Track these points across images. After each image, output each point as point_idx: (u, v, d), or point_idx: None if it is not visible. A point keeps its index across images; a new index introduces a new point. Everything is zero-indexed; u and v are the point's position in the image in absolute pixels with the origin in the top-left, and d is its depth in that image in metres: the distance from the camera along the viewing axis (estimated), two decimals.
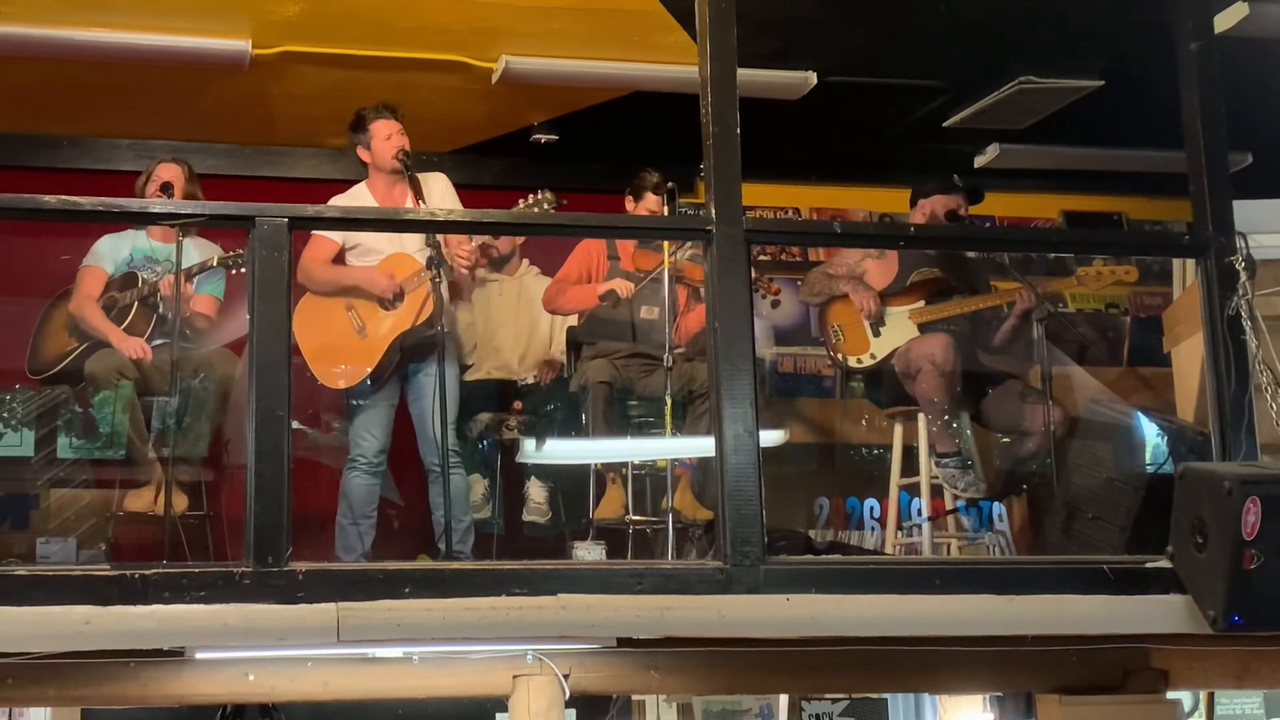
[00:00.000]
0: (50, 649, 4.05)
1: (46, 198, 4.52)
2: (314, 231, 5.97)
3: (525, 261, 7.20)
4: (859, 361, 6.40)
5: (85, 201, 4.61)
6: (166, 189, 5.96)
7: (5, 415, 5.91)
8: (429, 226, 5.70)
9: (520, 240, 7.10)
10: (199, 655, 4.34)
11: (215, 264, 5.97)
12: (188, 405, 5.80)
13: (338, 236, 6.05)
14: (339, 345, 5.98)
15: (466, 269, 6.04)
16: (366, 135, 6.07)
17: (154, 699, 4.48)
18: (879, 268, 6.45)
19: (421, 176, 5.97)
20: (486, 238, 6.29)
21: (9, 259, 6.50)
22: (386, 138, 6.02)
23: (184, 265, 5.95)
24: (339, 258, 6.08)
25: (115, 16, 6.18)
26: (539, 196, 5.89)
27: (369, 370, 5.93)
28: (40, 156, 7.38)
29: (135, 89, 6.86)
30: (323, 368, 5.94)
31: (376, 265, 6.04)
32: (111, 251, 6.12)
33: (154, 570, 4.12)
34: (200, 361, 5.91)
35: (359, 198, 6.11)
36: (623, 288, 6.33)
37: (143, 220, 5.71)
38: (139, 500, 5.85)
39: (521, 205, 5.92)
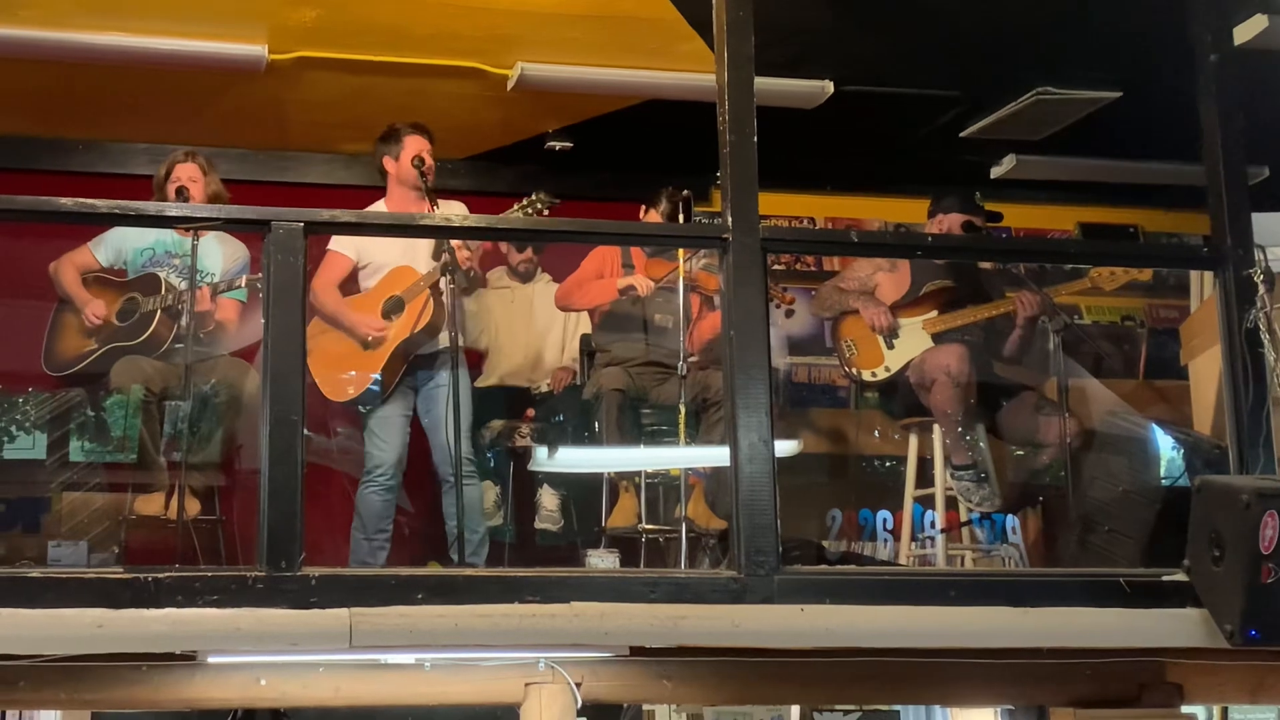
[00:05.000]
0: (62, 651, 4.03)
1: (63, 200, 4.52)
2: (330, 249, 6.00)
3: (538, 269, 7.20)
4: (873, 375, 6.38)
5: (101, 204, 4.61)
6: (181, 193, 5.96)
7: (18, 418, 5.91)
8: (441, 232, 5.69)
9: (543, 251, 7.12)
10: (211, 659, 4.32)
11: (244, 285, 5.97)
12: (201, 410, 5.79)
13: (352, 254, 6.06)
14: (343, 357, 5.99)
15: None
16: (398, 146, 6.09)
17: (165, 703, 4.46)
18: (891, 280, 6.43)
19: (441, 201, 5.98)
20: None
21: (23, 262, 6.50)
22: (416, 152, 6.03)
23: (207, 264, 5.98)
24: (353, 276, 6.09)
25: (131, 21, 6.18)
26: (533, 198, 5.88)
27: (375, 376, 5.93)
28: (56, 160, 7.39)
29: (151, 93, 6.87)
30: (328, 380, 5.95)
31: (383, 278, 6.06)
32: (117, 243, 6.12)
33: (166, 574, 4.11)
34: (215, 367, 5.90)
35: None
36: (642, 285, 6.32)
37: (158, 224, 5.71)
38: (151, 504, 5.84)
39: (516, 209, 5.91)
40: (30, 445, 5.95)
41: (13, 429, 5.91)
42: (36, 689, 4.27)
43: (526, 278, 7.16)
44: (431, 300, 5.91)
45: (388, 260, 6.06)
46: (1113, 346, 7.92)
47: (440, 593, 4.26)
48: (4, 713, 5.71)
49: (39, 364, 6.07)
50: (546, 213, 5.86)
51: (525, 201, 5.89)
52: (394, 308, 6.00)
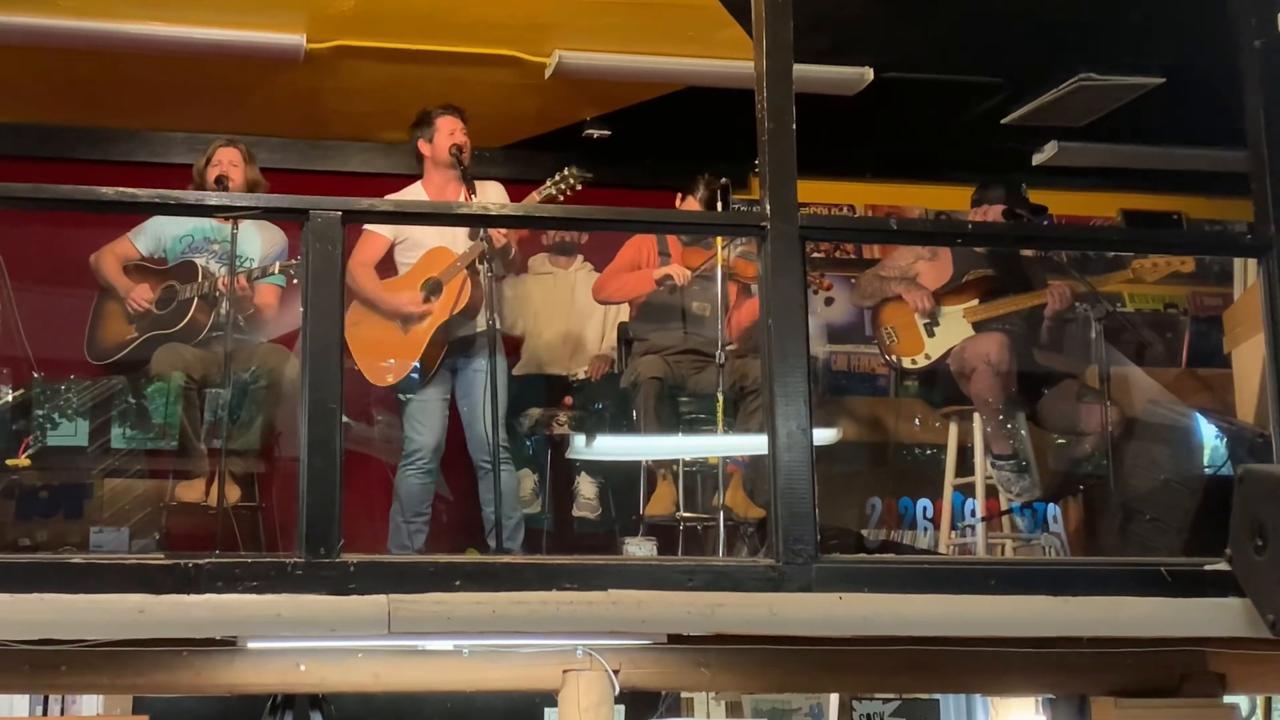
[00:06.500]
0: (104, 636, 4.05)
1: (104, 189, 4.53)
2: (365, 229, 6.01)
3: (580, 258, 7.20)
4: (914, 363, 6.35)
5: (142, 193, 4.63)
6: (220, 182, 5.99)
7: (61, 405, 5.95)
8: (480, 220, 5.69)
9: (584, 240, 7.12)
10: (251, 645, 4.35)
11: (277, 271, 6.00)
12: (242, 397, 5.82)
13: (388, 232, 6.07)
14: (383, 342, 6.00)
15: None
16: (431, 129, 6.12)
17: (206, 688, 4.49)
18: (932, 269, 6.40)
19: (478, 184, 5.98)
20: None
21: (62, 251, 6.54)
22: (450, 133, 6.07)
23: (246, 250, 6.01)
24: (389, 254, 6.10)
25: (171, 10, 6.22)
26: (565, 173, 5.86)
27: (415, 364, 5.95)
28: (96, 150, 7.44)
29: (190, 83, 6.90)
30: (370, 366, 5.97)
31: (420, 258, 6.06)
32: (156, 231, 6.18)
33: (207, 560, 4.12)
34: (254, 354, 5.93)
35: (413, 195, 6.14)
36: (679, 274, 6.32)
37: (198, 213, 5.74)
38: (191, 491, 5.87)
39: (549, 183, 5.89)
40: (73, 432, 5.98)
41: (56, 416, 5.94)
42: (78, 673, 4.31)
43: (565, 251, 7.15)
44: (469, 281, 5.91)
45: (425, 236, 6.07)
46: (1155, 334, 7.86)
47: (478, 579, 4.25)
48: (46, 697, 5.76)
49: (81, 352, 6.12)
50: (580, 187, 5.84)
51: (558, 177, 5.88)
52: (433, 289, 6.00)
